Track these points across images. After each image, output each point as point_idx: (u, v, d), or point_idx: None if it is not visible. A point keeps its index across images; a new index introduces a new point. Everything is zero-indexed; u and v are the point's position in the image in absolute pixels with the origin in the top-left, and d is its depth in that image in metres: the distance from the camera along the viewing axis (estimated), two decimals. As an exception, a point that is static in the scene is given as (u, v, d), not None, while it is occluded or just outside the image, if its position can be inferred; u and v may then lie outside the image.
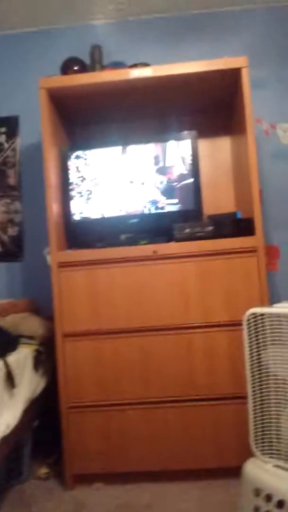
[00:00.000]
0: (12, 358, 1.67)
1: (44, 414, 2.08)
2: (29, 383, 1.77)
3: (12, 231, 2.64)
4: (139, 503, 1.75)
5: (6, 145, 2.67)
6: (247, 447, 1.24)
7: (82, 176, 2.12)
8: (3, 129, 2.69)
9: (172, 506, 1.73)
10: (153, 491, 1.84)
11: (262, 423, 1.18)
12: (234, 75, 1.98)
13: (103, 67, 2.33)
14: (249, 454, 1.24)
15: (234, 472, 1.56)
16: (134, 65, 2.16)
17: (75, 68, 2.26)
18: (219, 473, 1.87)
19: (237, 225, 1.93)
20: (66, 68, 2.27)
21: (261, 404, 1.18)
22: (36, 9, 2.53)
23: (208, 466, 1.86)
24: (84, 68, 2.29)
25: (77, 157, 2.12)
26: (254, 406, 1.20)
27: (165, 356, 1.87)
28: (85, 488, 1.89)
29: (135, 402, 1.88)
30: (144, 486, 1.87)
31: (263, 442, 1.18)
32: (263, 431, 1.18)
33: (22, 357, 1.76)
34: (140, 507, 1.73)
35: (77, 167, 2.12)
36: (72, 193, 2.12)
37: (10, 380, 1.56)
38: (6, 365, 1.57)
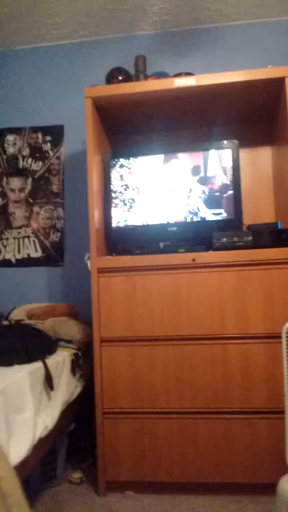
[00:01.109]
0: (50, 360, 1.70)
1: (79, 418, 2.10)
2: (67, 386, 1.80)
3: (54, 236, 2.70)
4: (172, 514, 1.74)
5: (51, 153, 2.75)
6: (281, 463, 1.20)
7: (124, 184, 2.14)
8: (48, 138, 2.77)
9: (205, 519, 1.70)
10: (184, 503, 1.81)
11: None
12: (277, 84, 1.96)
13: (146, 77, 2.37)
14: (284, 470, 1.20)
15: (267, 488, 1.53)
16: (178, 75, 2.18)
17: (120, 77, 2.30)
18: (251, 488, 1.83)
19: (277, 236, 1.89)
20: (111, 77, 2.32)
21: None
22: (81, 20, 2.60)
23: (240, 480, 1.81)
24: (128, 78, 2.33)
25: (121, 165, 2.15)
26: (293, 420, 1.17)
27: (199, 366, 1.85)
28: (117, 495, 1.89)
29: (168, 411, 1.87)
30: (175, 497, 1.85)
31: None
32: (302, 447, 1.15)
33: (60, 360, 1.78)
34: (172, 518, 1.71)
35: (121, 176, 2.15)
36: (113, 200, 2.15)
37: (49, 382, 1.59)
38: (46, 367, 1.60)
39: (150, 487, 1.90)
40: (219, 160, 2.07)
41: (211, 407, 1.84)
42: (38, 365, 1.59)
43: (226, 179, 2.05)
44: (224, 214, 2.05)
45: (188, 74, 2.15)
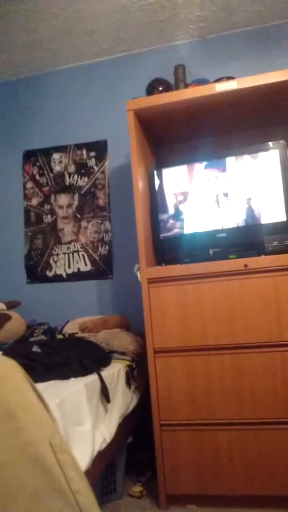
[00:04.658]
0: (105, 373, 1.70)
1: (136, 431, 2.08)
2: (123, 399, 1.79)
3: (103, 250, 2.73)
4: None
5: (96, 169, 2.80)
6: None
7: (170, 193, 2.13)
8: (92, 154, 2.82)
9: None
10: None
11: None
12: None
13: (187, 86, 2.37)
14: None
15: None
16: (219, 80, 2.16)
17: (160, 88, 2.31)
18: None
19: None
20: (151, 89, 2.33)
21: None
22: (119, 36, 2.64)
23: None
24: (168, 88, 2.34)
25: (166, 175, 2.14)
26: None
27: (258, 374, 1.79)
28: (179, 509, 1.85)
29: (228, 423, 1.81)
30: (239, 511, 1.78)
31: None
32: None
33: (115, 373, 1.78)
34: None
35: (166, 185, 2.14)
36: (160, 210, 2.14)
37: (105, 394, 1.58)
38: (101, 380, 1.60)
39: (213, 501, 1.84)
40: (267, 162, 2.01)
41: (273, 417, 1.76)
42: (93, 377, 1.60)
43: (275, 181, 1.99)
44: (275, 217, 1.98)
45: (230, 78, 2.12)
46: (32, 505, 0.48)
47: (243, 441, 1.79)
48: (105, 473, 1.93)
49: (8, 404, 0.55)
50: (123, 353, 2.02)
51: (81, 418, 1.42)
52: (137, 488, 1.98)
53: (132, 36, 2.65)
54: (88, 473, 1.37)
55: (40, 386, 1.44)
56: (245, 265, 1.82)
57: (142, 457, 2.13)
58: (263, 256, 1.84)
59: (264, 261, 1.82)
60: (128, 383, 1.88)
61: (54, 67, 2.94)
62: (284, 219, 1.97)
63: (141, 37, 2.67)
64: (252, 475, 1.77)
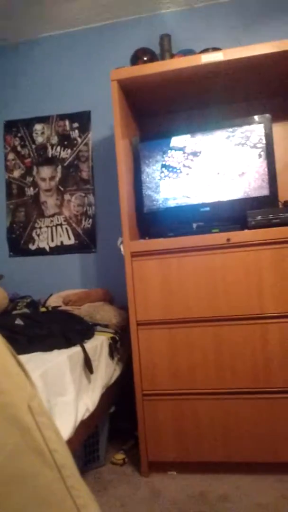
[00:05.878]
0: (89, 345, 1.72)
1: (120, 401, 2.12)
2: (106, 370, 1.82)
3: (86, 223, 2.71)
4: (215, 494, 1.73)
5: (79, 140, 2.75)
6: None
7: (154, 166, 2.12)
8: (75, 125, 2.76)
9: (248, 498, 1.69)
10: (228, 482, 1.81)
11: None
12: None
13: (172, 56, 2.32)
14: None
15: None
16: (205, 50, 2.12)
17: (145, 58, 2.26)
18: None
19: (316, 211, 1.83)
20: (136, 59, 2.28)
21: None
22: (103, 3, 2.55)
23: (284, 460, 1.80)
24: (154, 58, 2.29)
25: (150, 148, 2.12)
26: None
27: (239, 346, 1.83)
28: (160, 476, 1.91)
29: (209, 392, 1.86)
30: (219, 477, 1.85)
31: None
32: None
33: (98, 345, 1.80)
34: (215, 497, 1.71)
35: (150, 158, 2.12)
36: (144, 183, 2.12)
37: (88, 365, 1.61)
38: (84, 351, 1.62)
39: (193, 467, 1.90)
40: (252, 136, 2.00)
41: (252, 387, 1.82)
42: (76, 349, 1.62)
43: (259, 155, 1.99)
44: (259, 191, 1.99)
45: (216, 49, 2.09)
46: (9, 461, 0.50)
47: (223, 410, 1.84)
48: (88, 441, 1.97)
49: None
50: (106, 326, 2.04)
51: (64, 388, 1.44)
52: (119, 456, 2.03)
53: (117, 4, 2.56)
54: (71, 441, 1.40)
55: (24, 357, 1.45)
56: (228, 239, 1.83)
57: (125, 426, 2.19)
58: (246, 231, 1.85)
59: (246, 235, 1.83)
60: (111, 354, 1.91)
61: (36, 35, 2.83)
62: (267, 193, 1.98)
63: (127, 5, 2.58)
64: (231, 443, 1.83)
